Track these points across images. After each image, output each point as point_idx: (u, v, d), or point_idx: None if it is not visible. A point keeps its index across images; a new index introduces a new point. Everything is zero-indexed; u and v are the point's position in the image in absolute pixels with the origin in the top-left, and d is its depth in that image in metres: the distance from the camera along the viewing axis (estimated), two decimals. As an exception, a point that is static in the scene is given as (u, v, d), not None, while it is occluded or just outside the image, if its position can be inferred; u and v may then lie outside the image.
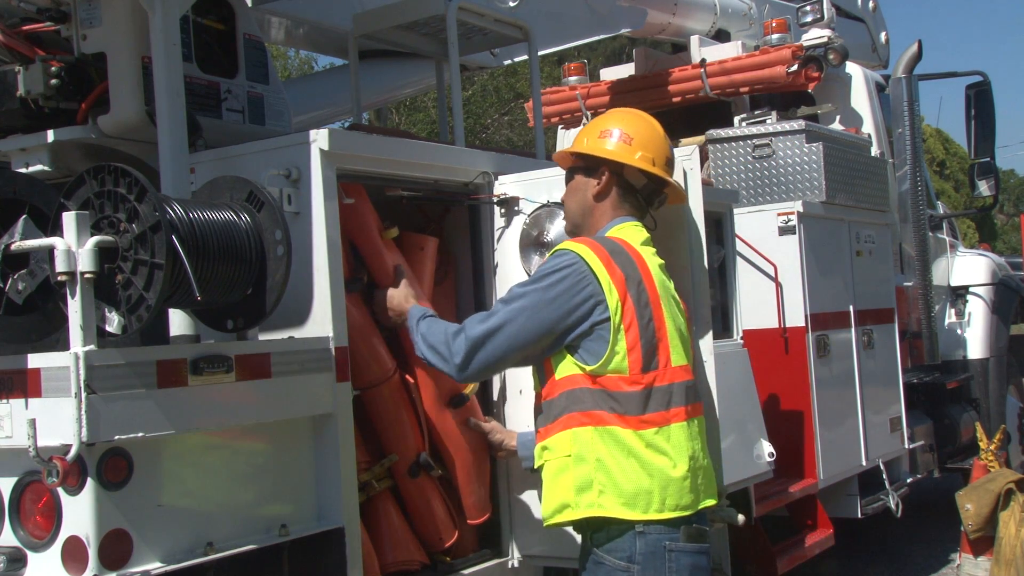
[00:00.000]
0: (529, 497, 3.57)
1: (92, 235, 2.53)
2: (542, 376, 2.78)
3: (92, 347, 2.47)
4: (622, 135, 2.87)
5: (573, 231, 2.99)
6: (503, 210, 3.72)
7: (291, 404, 2.98)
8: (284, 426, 3.00)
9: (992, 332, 7.40)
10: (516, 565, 3.68)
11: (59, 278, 2.49)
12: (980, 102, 7.18)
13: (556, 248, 2.80)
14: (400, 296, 3.21)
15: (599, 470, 2.59)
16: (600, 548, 2.62)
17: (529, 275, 3.60)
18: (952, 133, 31.82)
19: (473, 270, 3.83)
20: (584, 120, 6.62)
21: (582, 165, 2.94)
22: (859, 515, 5.80)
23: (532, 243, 3.60)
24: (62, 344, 2.63)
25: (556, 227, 3.55)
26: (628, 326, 2.64)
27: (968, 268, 7.57)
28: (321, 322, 3.12)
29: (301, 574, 3.00)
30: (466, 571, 3.57)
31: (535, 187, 3.64)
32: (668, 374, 2.68)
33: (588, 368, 2.65)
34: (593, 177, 2.91)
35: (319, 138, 3.15)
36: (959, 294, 7.45)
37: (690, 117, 6.47)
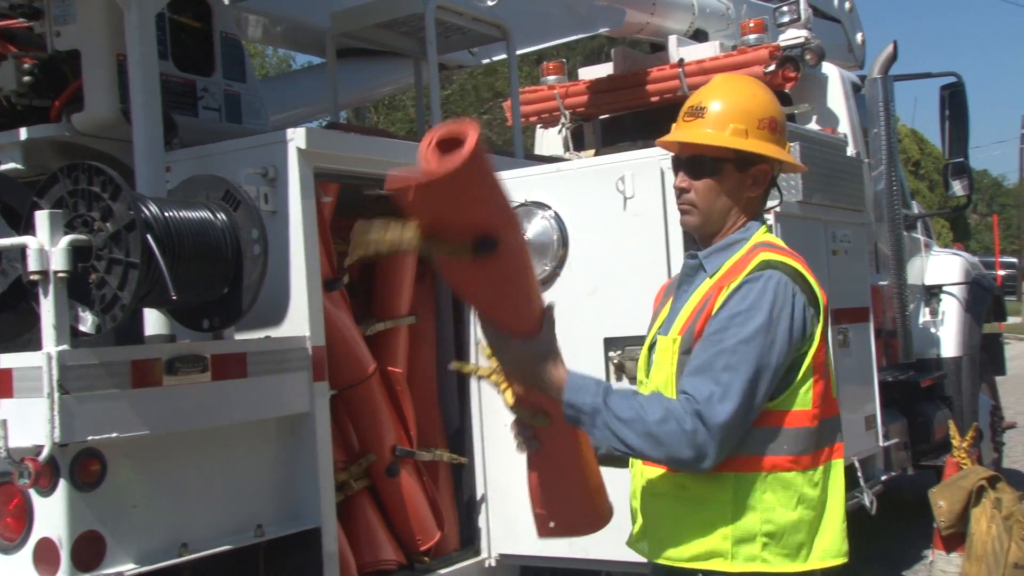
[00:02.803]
0: (506, 496, 3.56)
1: (65, 234, 2.52)
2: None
3: (65, 347, 2.46)
4: (777, 125, 2.38)
5: (699, 231, 2.40)
6: (481, 209, 3.71)
7: (268, 404, 2.97)
8: (260, 426, 2.99)
9: (965, 330, 7.45)
10: (493, 564, 3.68)
11: (32, 277, 2.47)
12: (954, 103, 7.22)
13: (766, 266, 2.25)
14: (543, 354, 2.08)
15: (766, 522, 2.22)
16: None
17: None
18: (927, 133, 32.13)
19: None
20: (562, 119, 6.57)
21: (732, 157, 2.36)
22: (834, 512, 5.82)
23: (510, 242, 3.59)
24: (34, 344, 2.61)
25: (534, 226, 3.55)
26: (820, 352, 2.25)
27: (942, 267, 7.62)
28: (298, 321, 3.11)
29: (277, 574, 2.99)
30: (443, 571, 3.57)
31: (514, 186, 3.63)
32: (835, 405, 2.32)
33: (768, 404, 2.19)
34: (746, 173, 2.36)
35: (296, 137, 3.14)
36: (933, 293, 7.50)
37: (668, 117, 6.44)
